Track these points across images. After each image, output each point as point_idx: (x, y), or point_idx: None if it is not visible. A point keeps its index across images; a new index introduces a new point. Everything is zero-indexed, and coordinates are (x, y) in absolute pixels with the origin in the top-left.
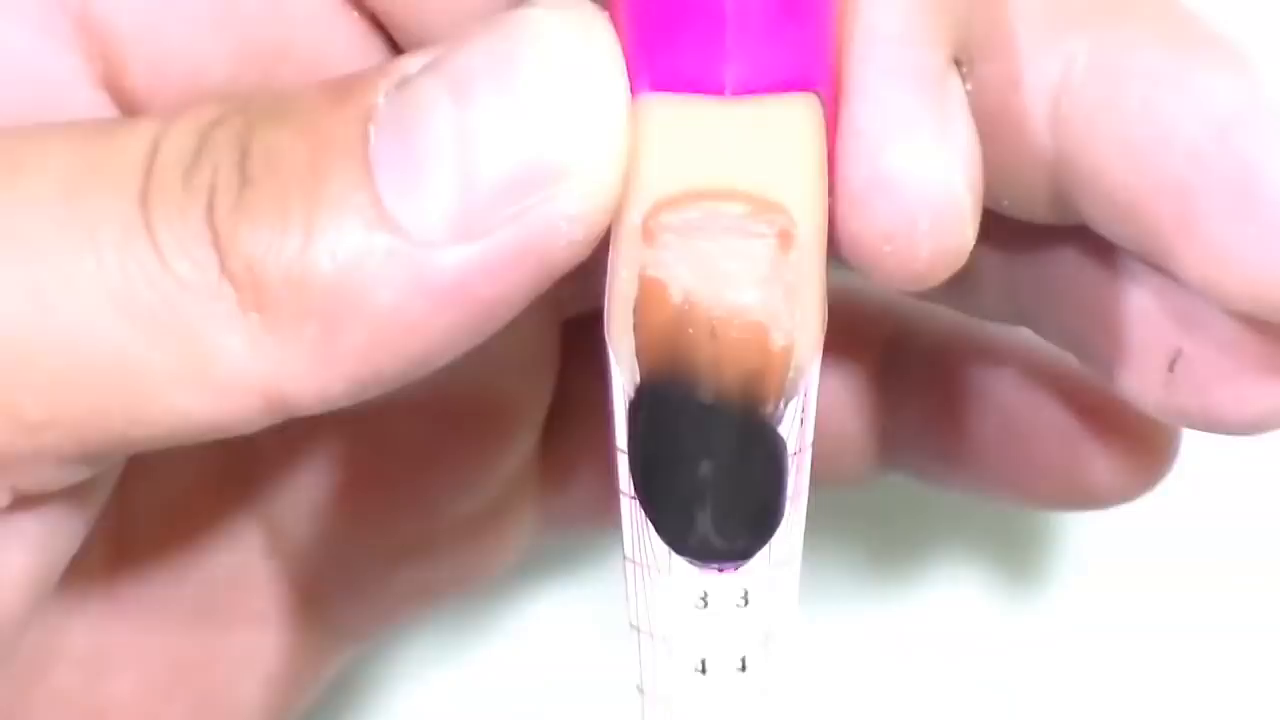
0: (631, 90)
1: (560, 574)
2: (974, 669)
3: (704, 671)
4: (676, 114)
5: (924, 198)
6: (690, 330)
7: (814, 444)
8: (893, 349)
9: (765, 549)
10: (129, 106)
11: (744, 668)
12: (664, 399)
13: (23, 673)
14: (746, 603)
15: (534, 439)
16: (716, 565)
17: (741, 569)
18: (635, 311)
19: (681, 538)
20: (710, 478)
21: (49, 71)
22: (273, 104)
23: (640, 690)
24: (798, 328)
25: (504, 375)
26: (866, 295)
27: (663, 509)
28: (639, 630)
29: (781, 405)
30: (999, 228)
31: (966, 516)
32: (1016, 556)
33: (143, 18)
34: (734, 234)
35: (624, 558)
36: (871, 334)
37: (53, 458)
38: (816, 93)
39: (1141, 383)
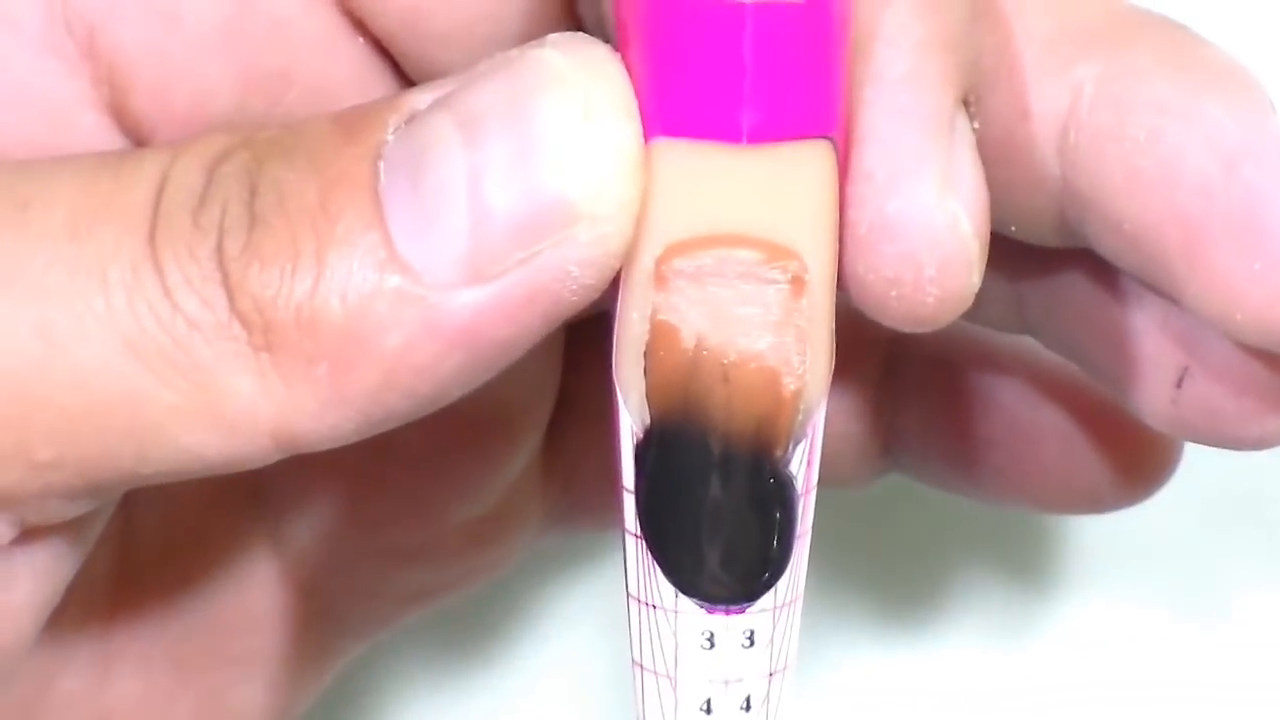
0: (645, 134)
1: (562, 576)
2: (976, 682)
3: (709, 711)
4: (690, 159)
5: (930, 244)
6: (703, 375)
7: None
8: (896, 351)
9: (771, 590)
10: (134, 131)
11: (748, 707)
12: (674, 442)
13: (29, 678)
14: (752, 643)
15: (537, 443)
16: (724, 607)
17: (748, 610)
18: (646, 355)
19: (689, 580)
20: (719, 521)
21: (55, 95)
22: (281, 138)
23: None
24: (808, 371)
25: (508, 383)
26: None
27: (671, 551)
28: (642, 667)
29: (791, 448)
30: (1005, 246)
31: (968, 523)
32: (1020, 563)
33: (149, 43)
34: (747, 280)
35: (628, 594)
36: (875, 336)
37: (61, 494)
38: (830, 138)
39: (1149, 399)
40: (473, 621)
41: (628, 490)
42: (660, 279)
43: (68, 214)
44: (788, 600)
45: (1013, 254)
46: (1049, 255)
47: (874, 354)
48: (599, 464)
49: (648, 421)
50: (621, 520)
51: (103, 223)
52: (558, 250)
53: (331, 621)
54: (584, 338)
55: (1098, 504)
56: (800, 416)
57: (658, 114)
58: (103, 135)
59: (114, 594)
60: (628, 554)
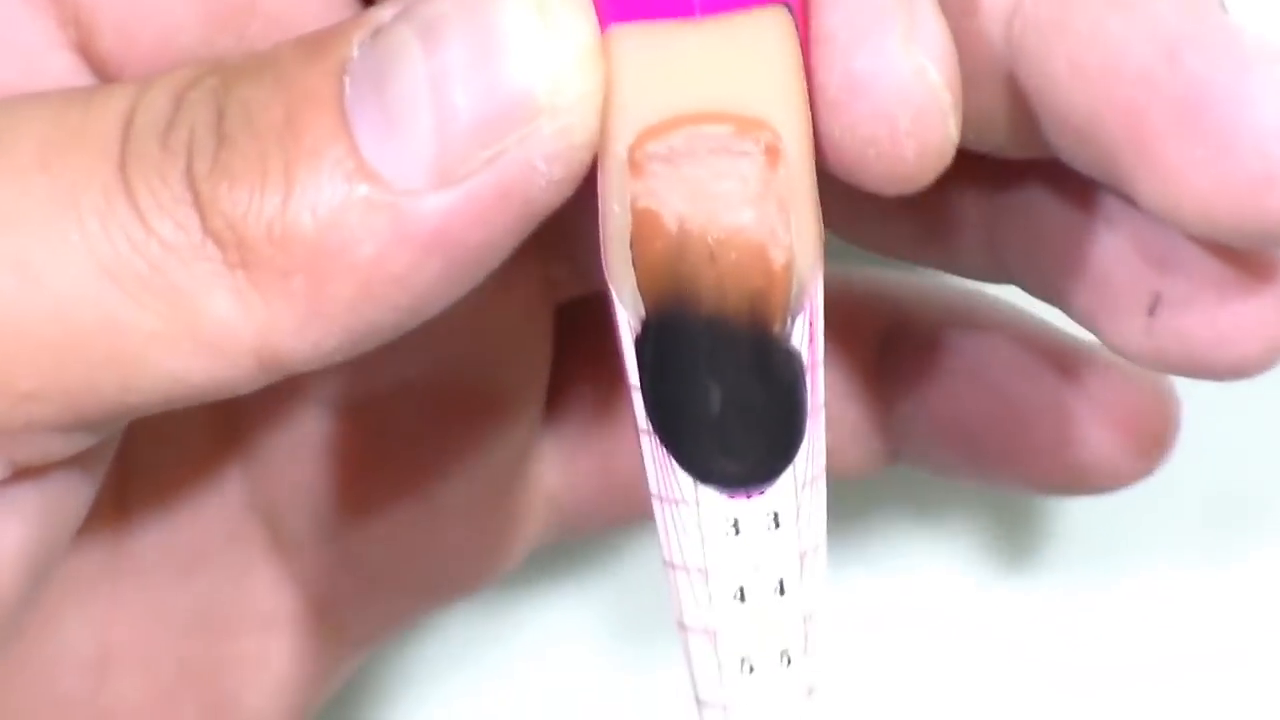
0: (601, 24)
1: (567, 579)
2: (961, 649)
3: (743, 599)
4: (648, 42)
5: (901, 97)
6: (689, 257)
7: None
8: (889, 338)
9: (790, 469)
10: (102, 71)
11: (782, 591)
12: (671, 329)
13: (28, 677)
14: (777, 525)
15: (532, 424)
16: (744, 491)
17: (768, 491)
18: (632, 245)
19: (705, 467)
20: (727, 402)
21: (22, 38)
22: (247, 63)
23: (682, 626)
24: (796, 242)
25: (497, 359)
26: (861, 285)
27: (683, 440)
28: (674, 566)
29: (789, 322)
30: (975, 174)
31: (959, 499)
32: (1006, 537)
33: None
34: (721, 155)
35: (650, 495)
36: (867, 325)
37: (48, 427)
38: (785, 3)
39: (1123, 330)
40: (474, 625)
41: (634, 388)
42: (635, 166)
43: (38, 146)
44: (808, 479)
45: (983, 181)
46: (1017, 182)
47: (868, 338)
48: (600, 458)
49: (643, 313)
50: (633, 420)
51: (73, 152)
52: (522, 146)
53: (335, 623)
54: (577, 326)
55: (1095, 483)
56: (794, 288)
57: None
58: (74, 76)
59: (111, 592)
60: (644, 453)
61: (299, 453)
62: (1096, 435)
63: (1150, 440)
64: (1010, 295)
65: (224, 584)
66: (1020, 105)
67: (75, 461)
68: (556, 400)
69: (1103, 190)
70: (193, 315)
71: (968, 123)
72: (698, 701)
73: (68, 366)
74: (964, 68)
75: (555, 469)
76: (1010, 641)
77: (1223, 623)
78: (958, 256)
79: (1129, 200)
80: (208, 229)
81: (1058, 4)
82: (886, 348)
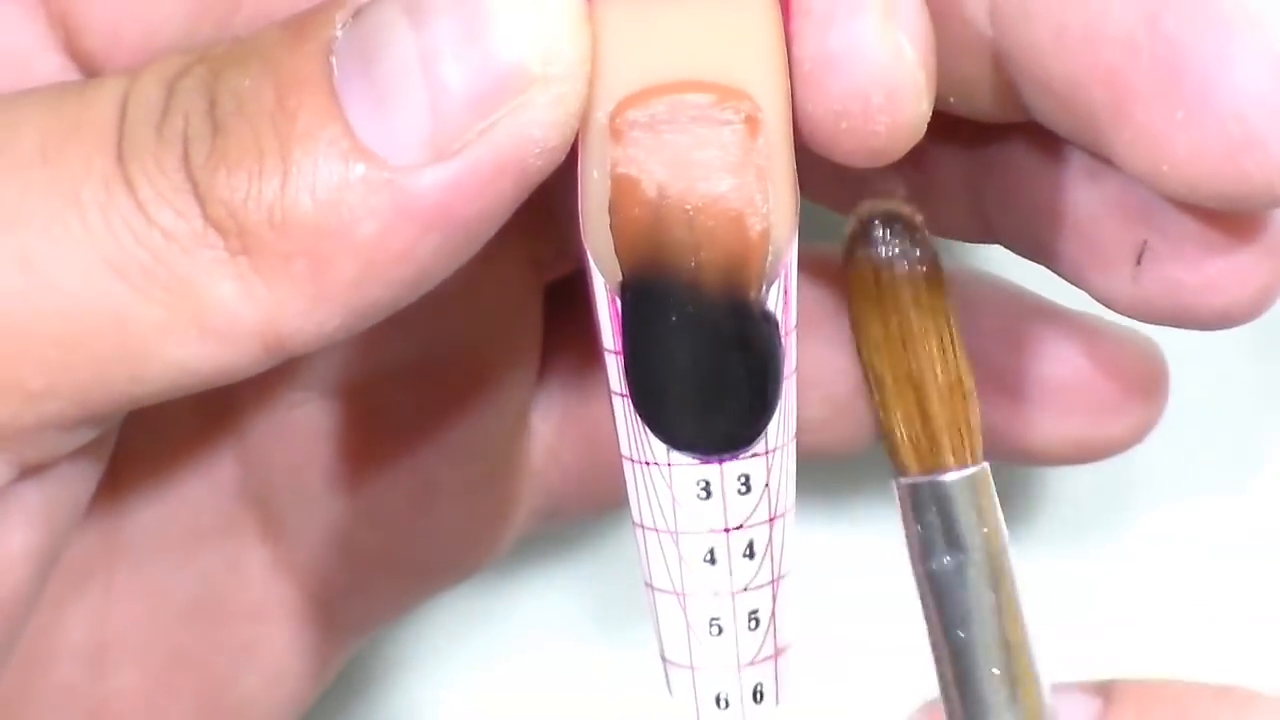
0: None
1: (554, 566)
2: None
3: (713, 562)
4: (632, 10)
5: (874, 74)
6: (667, 224)
7: (808, 411)
8: None
9: (763, 434)
10: (89, 68)
11: (751, 554)
12: (648, 295)
13: (25, 668)
14: (748, 489)
15: (522, 404)
16: (716, 457)
17: (740, 455)
18: (610, 211)
19: (678, 433)
20: (701, 368)
21: (15, 42)
22: (234, 50)
23: (649, 586)
24: (773, 210)
25: (487, 339)
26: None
27: (656, 405)
28: (643, 527)
29: (765, 289)
30: (957, 133)
31: None
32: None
33: None
34: (702, 124)
35: (621, 456)
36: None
37: (57, 424)
38: None
39: (1110, 281)
40: (470, 612)
41: (609, 351)
42: (615, 133)
43: (37, 140)
44: (780, 443)
45: (965, 140)
46: (999, 138)
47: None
48: (585, 437)
49: (620, 278)
50: (606, 382)
51: (71, 144)
52: (516, 117)
53: (330, 611)
54: (566, 307)
55: (1087, 450)
56: (770, 256)
57: None
58: (64, 76)
59: (106, 580)
60: (616, 415)
61: (291, 438)
62: (1087, 403)
63: (1140, 407)
64: (997, 261)
65: (217, 572)
66: (1002, 72)
67: (77, 455)
68: (543, 379)
69: None
70: (198, 304)
71: (951, 89)
72: (664, 661)
73: (77, 362)
74: (946, 36)
75: (541, 447)
76: None
77: (1213, 588)
78: (943, 216)
79: (1106, 161)
80: (208, 217)
81: None
82: None
